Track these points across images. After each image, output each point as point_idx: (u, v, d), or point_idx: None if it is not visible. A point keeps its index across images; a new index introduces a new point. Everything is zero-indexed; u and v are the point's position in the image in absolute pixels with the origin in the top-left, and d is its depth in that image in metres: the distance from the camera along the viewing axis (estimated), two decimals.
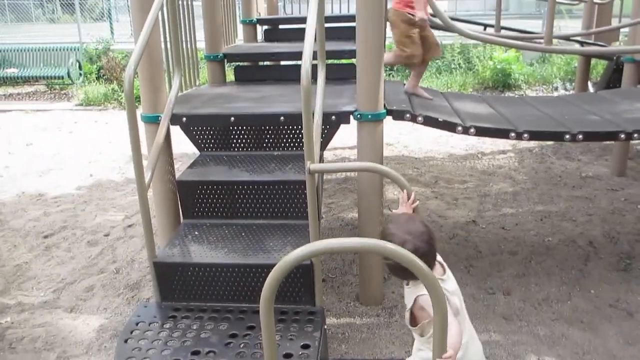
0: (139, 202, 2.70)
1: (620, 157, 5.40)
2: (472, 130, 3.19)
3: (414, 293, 1.95)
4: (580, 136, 3.15)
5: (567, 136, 3.15)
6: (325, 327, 2.77)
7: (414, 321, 2.02)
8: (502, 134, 3.24)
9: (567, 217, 4.48)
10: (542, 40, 3.04)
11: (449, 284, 2.05)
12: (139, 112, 3.20)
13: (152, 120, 3.25)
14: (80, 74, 11.61)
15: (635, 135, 3.14)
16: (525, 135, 3.17)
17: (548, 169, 5.73)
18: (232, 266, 2.71)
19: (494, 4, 5.00)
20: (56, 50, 11.80)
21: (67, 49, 11.81)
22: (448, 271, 2.07)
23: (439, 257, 2.04)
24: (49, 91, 11.81)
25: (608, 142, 5.82)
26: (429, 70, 10.75)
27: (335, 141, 4.84)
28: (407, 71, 10.75)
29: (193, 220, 3.13)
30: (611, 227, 4.25)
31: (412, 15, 3.48)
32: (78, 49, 12.01)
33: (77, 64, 11.65)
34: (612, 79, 6.11)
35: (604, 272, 3.62)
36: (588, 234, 4.16)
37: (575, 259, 3.81)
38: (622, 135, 3.15)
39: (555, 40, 3.20)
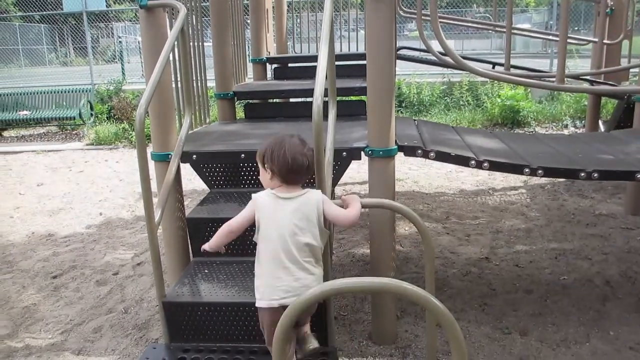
0: (148, 240, 2.68)
1: (634, 196, 5.33)
2: (485, 164, 3.16)
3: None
4: (596, 174, 3.10)
5: (582, 174, 3.11)
6: None
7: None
8: (516, 169, 3.20)
9: (582, 256, 4.39)
10: (553, 79, 3.03)
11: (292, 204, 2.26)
12: (149, 150, 3.21)
13: (163, 159, 3.25)
14: (92, 114, 11.78)
15: None
16: (540, 171, 3.13)
17: (561, 206, 5.67)
18: (243, 305, 2.66)
19: (499, 43, 5.08)
20: (68, 92, 12.03)
21: (79, 91, 12.03)
22: (306, 197, 2.29)
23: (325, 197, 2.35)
24: (61, 132, 11.99)
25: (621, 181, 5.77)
26: (438, 106, 10.83)
27: (344, 176, 4.80)
28: (415, 107, 10.85)
29: (203, 258, 3.09)
30: (628, 267, 4.16)
31: None
32: (90, 90, 12.23)
33: (89, 105, 11.84)
34: (622, 118, 6.10)
35: (623, 313, 3.51)
36: (604, 274, 4.07)
37: (592, 298, 3.71)
38: (639, 176, 3.11)
39: (566, 79, 3.20)
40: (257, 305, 2.29)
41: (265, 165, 2.33)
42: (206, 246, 2.45)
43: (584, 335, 3.28)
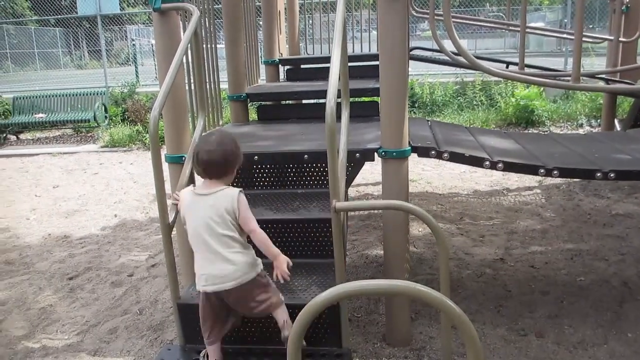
0: (162, 242, 2.69)
1: None
2: (500, 165, 3.13)
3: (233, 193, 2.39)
4: (612, 175, 3.06)
5: (599, 174, 3.07)
6: None
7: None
8: (531, 170, 3.17)
9: (598, 256, 4.34)
10: (568, 78, 3.00)
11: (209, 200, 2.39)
12: (163, 152, 3.23)
13: (176, 161, 3.27)
14: (106, 117, 11.87)
15: None
16: (555, 172, 3.10)
17: (576, 207, 5.61)
18: None
19: (513, 42, 5.04)
20: (83, 94, 12.14)
21: (94, 93, 12.14)
22: (222, 193, 2.39)
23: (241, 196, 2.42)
24: (76, 134, 12.10)
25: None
26: (451, 107, 10.78)
27: (357, 177, 4.77)
28: (428, 108, 10.81)
29: None
30: None
31: None
32: (104, 93, 12.33)
33: (103, 107, 11.94)
34: (639, 117, 6.02)
35: None
36: (622, 274, 4.01)
37: (609, 300, 3.66)
38: None
39: (581, 78, 3.16)
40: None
41: None
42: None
43: (601, 337, 3.24)
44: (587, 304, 3.62)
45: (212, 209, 2.37)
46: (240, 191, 2.43)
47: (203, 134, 2.49)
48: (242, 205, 2.40)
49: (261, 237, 2.45)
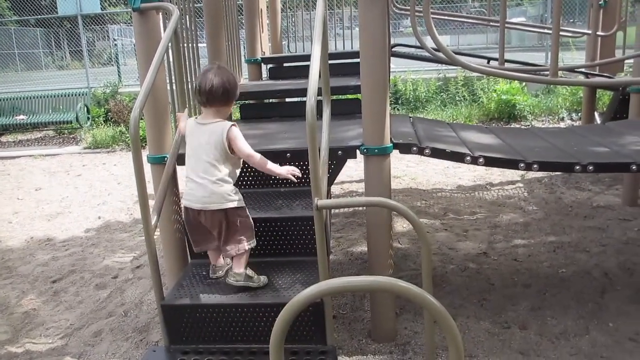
0: (145, 243, 2.68)
1: (631, 187, 5.33)
2: (481, 160, 3.17)
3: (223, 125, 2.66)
4: (591, 167, 3.11)
5: (578, 167, 3.12)
6: None
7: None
8: (511, 164, 3.21)
9: (580, 248, 4.40)
10: (547, 73, 3.03)
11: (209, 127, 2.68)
12: (145, 153, 3.21)
13: (158, 161, 3.26)
14: (88, 118, 11.76)
15: None
16: (535, 165, 3.14)
17: (558, 199, 5.67)
18: (241, 306, 2.67)
19: (495, 37, 5.07)
20: (64, 95, 12.02)
21: (76, 94, 12.03)
22: (217, 125, 2.67)
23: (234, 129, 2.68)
24: (58, 136, 11.97)
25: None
26: (434, 102, 10.83)
27: (341, 175, 4.78)
28: (412, 104, 10.85)
29: (201, 259, 3.09)
30: (626, 258, 4.16)
31: None
32: (86, 94, 12.22)
33: (85, 108, 11.83)
34: (618, 110, 6.10)
35: (622, 304, 3.52)
36: (603, 265, 4.07)
37: (591, 291, 3.72)
38: (634, 167, 3.11)
39: (560, 72, 3.20)
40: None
41: None
42: (180, 128, 3.05)
43: (583, 327, 3.29)
44: (569, 295, 3.68)
45: (207, 136, 2.66)
46: (233, 124, 2.69)
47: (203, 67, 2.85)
48: (232, 135, 2.65)
49: (258, 160, 2.71)
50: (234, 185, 2.74)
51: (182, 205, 2.84)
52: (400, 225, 5.07)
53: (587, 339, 3.17)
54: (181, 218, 3.34)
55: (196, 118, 2.83)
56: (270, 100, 5.28)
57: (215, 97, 2.67)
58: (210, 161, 2.64)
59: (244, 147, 2.68)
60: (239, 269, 2.73)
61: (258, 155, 2.72)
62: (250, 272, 2.77)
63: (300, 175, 2.79)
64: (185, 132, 2.81)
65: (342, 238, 4.93)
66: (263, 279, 2.79)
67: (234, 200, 2.70)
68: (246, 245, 2.74)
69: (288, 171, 2.75)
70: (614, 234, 4.65)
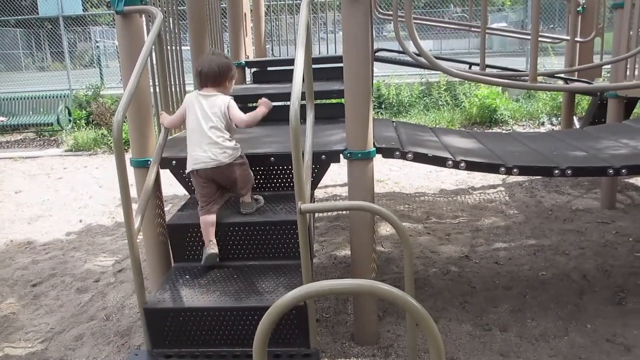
0: (128, 247, 2.67)
1: (609, 191, 5.43)
2: (462, 164, 3.21)
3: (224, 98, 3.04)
4: (569, 171, 3.17)
5: (557, 171, 3.18)
6: None
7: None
8: (492, 168, 3.26)
9: (559, 251, 4.47)
10: (527, 78, 3.08)
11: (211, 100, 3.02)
12: (129, 156, 3.20)
13: (142, 165, 3.24)
14: (70, 120, 11.64)
15: (624, 171, 3.17)
16: (515, 170, 3.19)
17: (539, 203, 5.76)
18: (224, 310, 2.66)
19: (477, 42, 5.13)
20: (45, 97, 11.87)
21: (57, 96, 11.88)
22: (217, 97, 3.02)
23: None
24: (38, 138, 11.83)
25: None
26: (417, 107, 10.92)
27: (326, 179, 4.79)
28: (395, 108, 10.92)
29: (184, 263, 3.09)
30: (604, 260, 4.24)
31: None
32: (68, 96, 12.09)
33: (67, 111, 11.70)
34: (597, 114, 6.22)
35: (599, 306, 3.59)
36: (581, 268, 4.14)
37: (570, 293, 3.78)
38: (611, 171, 3.18)
39: (540, 77, 3.25)
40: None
41: None
42: (166, 122, 3.28)
43: (562, 329, 3.34)
44: (548, 297, 3.73)
45: (209, 106, 2.98)
46: (231, 98, 3.06)
47: (206, 55, 3.26)
48: (231, 107, 3.02)
49: (248, 118, 3.05)
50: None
51: (187, 172, 3.07)
52: (384, 229, 5.11)
53: (566, 341, 3.22)
54: (164, 222, 3.34)
55: (198, 91, 3.10)
56: (254, 104, 5.27)
57: (208, 79, 3.05)
58: (215, 125, 2.95)
59: (239, 115, 3.05)
60: (247, 199, 3.13)
61: (250, 116, 3.06)
62: (255, 197, 3.20)
63: (271, 104, 3.14)
64: (186, 104, 3.08)
65: (326, 242, 4.95)
66: (261, 198, 3.21)
67: (239, 148, 3.08)
68: (250, 185, 3.15)
69: (264, 107, 3.11)
70: (592, 237, 4.73)
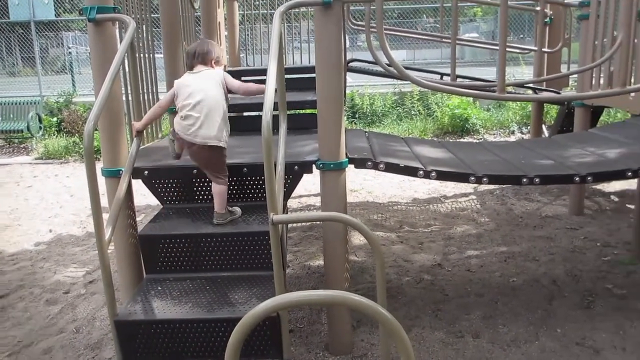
0: (99, 258, 2.64)
1: (577, 197, 5.56)
2: (433, 174, 3.26)
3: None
4: (537, 180, 3.24)
5: (525, 180, 3.24)
6: None
7: None
8: (462, 177, 3.31)
9: (530, 257, 4.56)
10: (496, 88, 3.15)
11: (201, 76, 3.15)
12: (100, 166, 3.17)
13: (113, 175, 3.21)
14: (41, 127, 11.43)
15: (589, 178, 3.25)
16: (485, 179, 3.25)
17: (509, 211, 5.86)
18: (196, 321, 2.65)
19: (449, 52, 5.21)
20: (15, 104, 11.62)
21: (27, 103, 11.64)
22: (211, 70, 3.19)
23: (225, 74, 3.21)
24: (8, 145, 11.57)
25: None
26: (391, 117, 11.01)
27: (300, 188, 4.79)
28: (369, 118, 10.99)
29: (156, 274, 3.06)
30: (573, 266, 4.33)
31: None
32: (38, 102, 11.87)
33: (37, 117, 11.48)
34: (565, 123, 6.37)
35: (569, 310, 3.67)
36: (551, 273, 4.23)
37: (540, 298, 3.86)
38: (577, 179, 3.26)
39: (509, 87, 3.32)
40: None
41: None
42: (139, 125, 3.34)
43: (533, 334, 3.41)
44: (519, 303, 3.80)
45: (205, 79, 3.11)
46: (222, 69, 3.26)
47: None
48: (227, 75, 3.20)
49: (245, 86, 3.26)
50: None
51: (178, 137, 3.11)
52: (357, 238, 5.13)
53: (537, 345, 3.28)
54: (136, 232, 3.30)
55: (189, 72, 3.22)
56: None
57: (193, 59, 3.20)
58: (215, 96, 3.06)
59: (236, 82, 3.22)
60: (220, 210, 3.12)
61: (245, 84, 3.28)
62: (230, 209, 3.20)
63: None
64: (177, 88, 3.15)
65: (300, 252, 4.95)
66: (237, 209, 3.23)
67: (225, 141, 3.15)
68: (222, 180, 3.16)
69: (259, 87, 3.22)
70: (561, 243, 4.83)
